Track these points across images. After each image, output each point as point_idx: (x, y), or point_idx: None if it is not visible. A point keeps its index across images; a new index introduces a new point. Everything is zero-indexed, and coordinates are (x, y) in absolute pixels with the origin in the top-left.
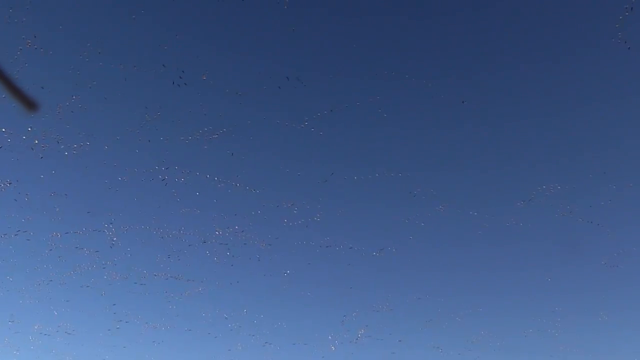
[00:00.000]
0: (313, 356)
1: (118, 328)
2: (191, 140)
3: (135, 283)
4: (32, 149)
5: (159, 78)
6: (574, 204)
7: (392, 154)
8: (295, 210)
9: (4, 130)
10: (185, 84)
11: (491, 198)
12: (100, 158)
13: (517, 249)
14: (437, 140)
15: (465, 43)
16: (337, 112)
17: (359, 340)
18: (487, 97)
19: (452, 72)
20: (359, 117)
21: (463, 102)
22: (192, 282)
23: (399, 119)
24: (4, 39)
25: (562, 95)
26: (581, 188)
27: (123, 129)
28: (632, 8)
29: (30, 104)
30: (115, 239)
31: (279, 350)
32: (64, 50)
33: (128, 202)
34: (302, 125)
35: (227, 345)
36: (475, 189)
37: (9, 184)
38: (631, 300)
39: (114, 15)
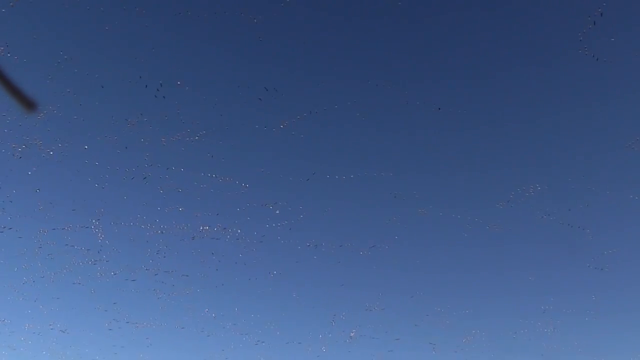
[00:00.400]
0: (307, 355)
1: (119, 328)
2: (172, 141)
3: (127, 280)
4: (14, 155)
5: (136, 86)
6: (554, 208)
7: (374, 157)
8: (277, 211)
9: None
10: (163, 96)
11: (473, 200)
12: (81, 158)
13: (502, 250)
14: (418, 143)
15: (447, 47)
16: (316, 115)
17: (352, 338)
18: (467, 101)
19: (431, 76)
20: (337, 120)
21: (439, 109)
22: (185, 278)
23: (379, 122)
24: None
25: (541, 100)
26: (561, 192)
27: (103, 133)
28: (594, 22)
29: (29, 104)
30: (102, 236)
31: (272, 349)
32: (37, 59)
33: (112, 200)
34: (282, 127)
35: (220, 343)
36: (457, 191)
37: None
38: (619, 301)
39: (89, 25)
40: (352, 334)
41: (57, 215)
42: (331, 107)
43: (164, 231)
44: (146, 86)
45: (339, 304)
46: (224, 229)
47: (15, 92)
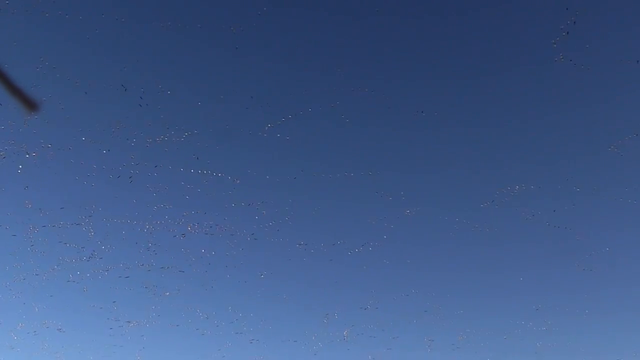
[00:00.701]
0: (303, 353)
1: (120, 327)
2: (157, 143)
3: (120, 277)
4: None
5: (119, 91)
6: (538, 208)
7: (359, 157)
8: (264, 212)
9: None
10: (147, 104)
11: (457, 200)
12: (65, 159)
13: (488, 251)
14: (402, 143)
15: (431, 50)
16: (300, 118)
17: (346, 337)
18: (452, 102)
19: (415, 78)
20: (320, 122)
21: (422, 112)
22: (177, 276)
23: (362, 125)
24: None
25: (525, 102)
26: (546, 193)
27: (87, 135)
28: (567, 32)
29: (31, 105)
30: (92, 232)
31: (266, 347)
32: (18, 64)
33: (100, 198)
34: (267, 128)
35: (215, 342)
36: (441, 191)
37: None
38: (611, 300)
39: (71, 32)
40: (345, 334)
41: (45, 214)
42: (315, 109)
43: (155, 228)
44: (125, 89)
45: (334, 302)
46: (213, 226)
47: (17, 92)
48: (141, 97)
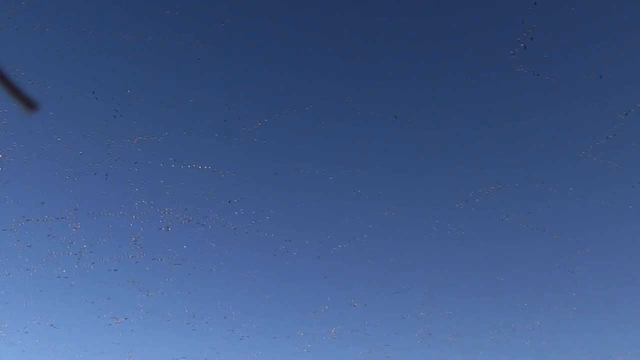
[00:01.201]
0: (296, 350)
1: (118, 323)
2: (134, 143)
3: (109, 270)
4: None
5: (95, 105)
6: (514, 210)
7: (341, 156)
8: (242, 211)
9: None
10: (121, 115)
11: (438, 200)
12: (44, 159)
13: (471, 251)
14: (382, 143)
15: (407, 53)
16: (279, 119)
17: (334, 336)
18: (426, 106)
19: (391, 80)
20: (299, 124)
21: (395, 117)
22: (168, 274)
23: (341, 126)
24: None
25: (501, 107)
26: (522, 196)
27: (64, 138)
28: (525, 47)
29: (29, 104)
30: (79, 225)
31: (257, 344)
32: None
33: (83, 194)
34: (242, 130)
35: (209, 338)
36: (419, 191)
37: None
38: (597, 299)
39: (44, 42)
40: (333, 332)
41: (30, 209)
42: (294, 110)
43: (139, 222)
44: (94, 94)
45: (323, 300)
46: (199, 218)
47: (16, 92)
48: (116, 110)
